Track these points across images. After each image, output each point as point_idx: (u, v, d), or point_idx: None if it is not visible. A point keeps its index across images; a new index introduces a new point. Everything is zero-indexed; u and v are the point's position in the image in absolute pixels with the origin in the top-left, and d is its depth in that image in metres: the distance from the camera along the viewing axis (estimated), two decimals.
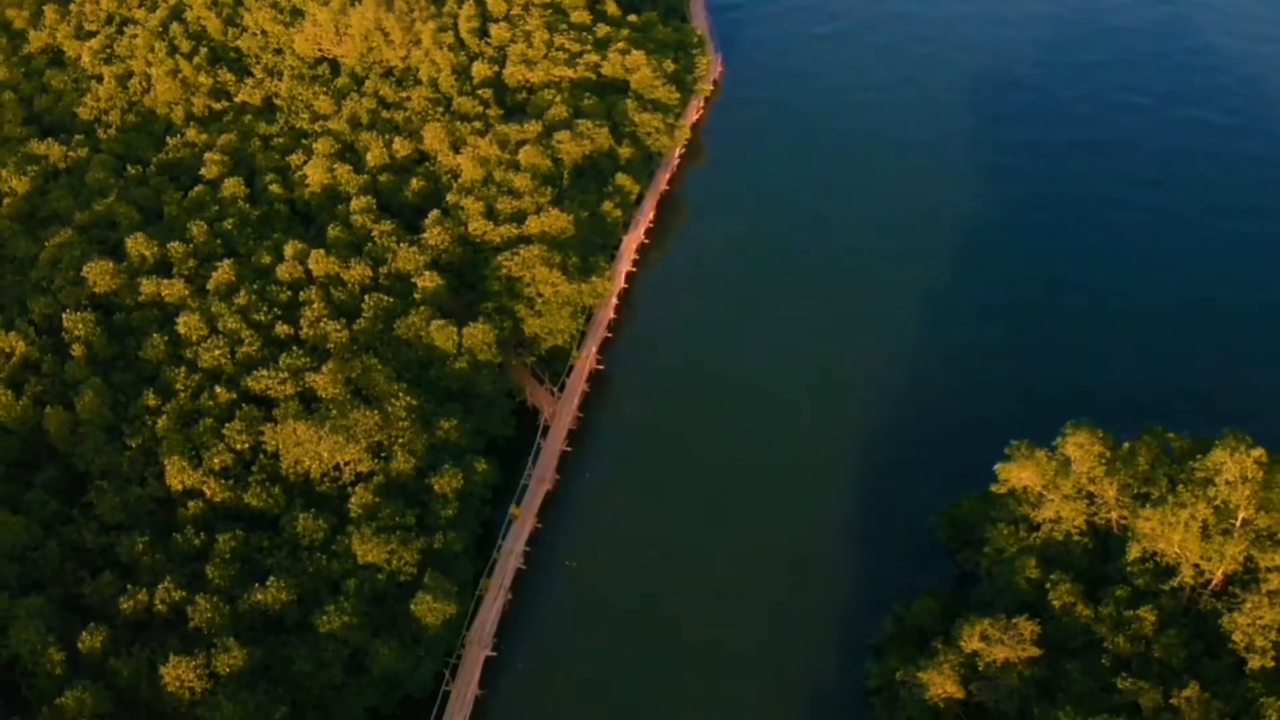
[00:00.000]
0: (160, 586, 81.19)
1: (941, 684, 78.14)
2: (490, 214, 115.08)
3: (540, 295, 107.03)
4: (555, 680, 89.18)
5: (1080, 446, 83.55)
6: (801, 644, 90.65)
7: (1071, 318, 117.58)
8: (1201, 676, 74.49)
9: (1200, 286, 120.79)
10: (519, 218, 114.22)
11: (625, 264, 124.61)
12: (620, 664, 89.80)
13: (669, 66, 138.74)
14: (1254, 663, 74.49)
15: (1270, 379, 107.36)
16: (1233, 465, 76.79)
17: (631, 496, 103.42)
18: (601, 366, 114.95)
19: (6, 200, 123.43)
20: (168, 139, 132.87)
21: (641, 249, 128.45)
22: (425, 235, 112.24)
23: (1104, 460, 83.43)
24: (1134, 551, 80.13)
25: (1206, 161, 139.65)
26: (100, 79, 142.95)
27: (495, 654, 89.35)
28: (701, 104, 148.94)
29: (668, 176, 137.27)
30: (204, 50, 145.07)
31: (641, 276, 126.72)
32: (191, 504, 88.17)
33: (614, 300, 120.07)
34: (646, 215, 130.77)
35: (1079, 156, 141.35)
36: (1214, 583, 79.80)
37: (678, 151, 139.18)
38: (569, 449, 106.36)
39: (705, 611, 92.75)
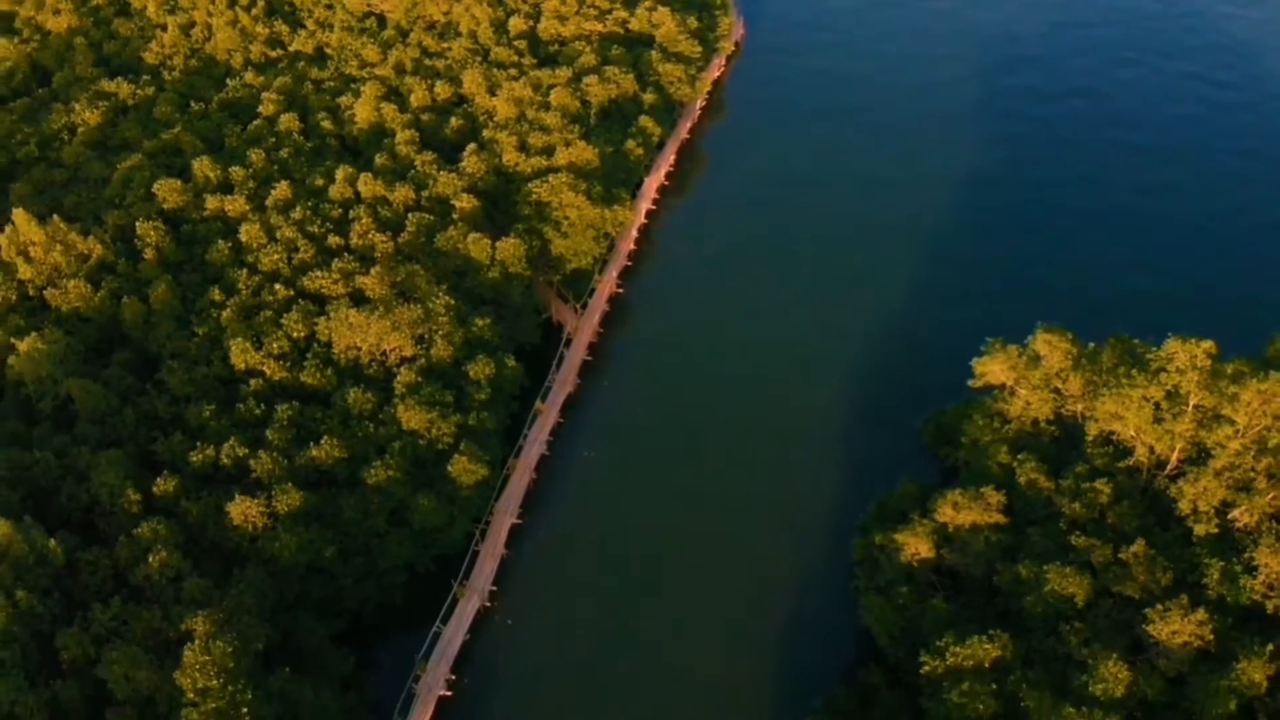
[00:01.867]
0: (226, 445, 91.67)
1: (915, 545, 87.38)
2: (523, 147, 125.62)
3: (566, 218, 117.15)
4: (572, 547, 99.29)
5: (1049, 343, 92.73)
6: (792, 530, 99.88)
7: (1059, 244, 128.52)
8: (1151, 541, 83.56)
9: (1185, 214, 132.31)
10: (549, 151, 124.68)
11: (646, 203, 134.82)
12: (630, 537, 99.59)
13: (692, 23, 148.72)
14: (1199, 529, 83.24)
15: (1240, 294, 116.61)
16: (1183, 354, 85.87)
17: (644, 400, 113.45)
18: (621, 290, 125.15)
19: (80, 130, 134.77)
20: (227, 81, 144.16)
21: (662, 190, 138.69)
22: (463, 164, 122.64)
23: (1070, 358, 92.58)
24: (1092, 430, 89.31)
25: (1194, 110, 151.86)
26: (164, 28, 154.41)
27: (520, 522, 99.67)
28: (723, 62, 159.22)
29: (689, 126, 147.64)
30: (261, 2, 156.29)
31: (661, 215, 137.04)
32: (253, 382, 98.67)
33: (634, 233, 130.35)
34: (667, 159, 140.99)
35: (1074, 102, 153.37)
36: (1169, 466, 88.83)
37: (699, 103, 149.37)
38: (589, 358, 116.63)
39: (706, 499, 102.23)
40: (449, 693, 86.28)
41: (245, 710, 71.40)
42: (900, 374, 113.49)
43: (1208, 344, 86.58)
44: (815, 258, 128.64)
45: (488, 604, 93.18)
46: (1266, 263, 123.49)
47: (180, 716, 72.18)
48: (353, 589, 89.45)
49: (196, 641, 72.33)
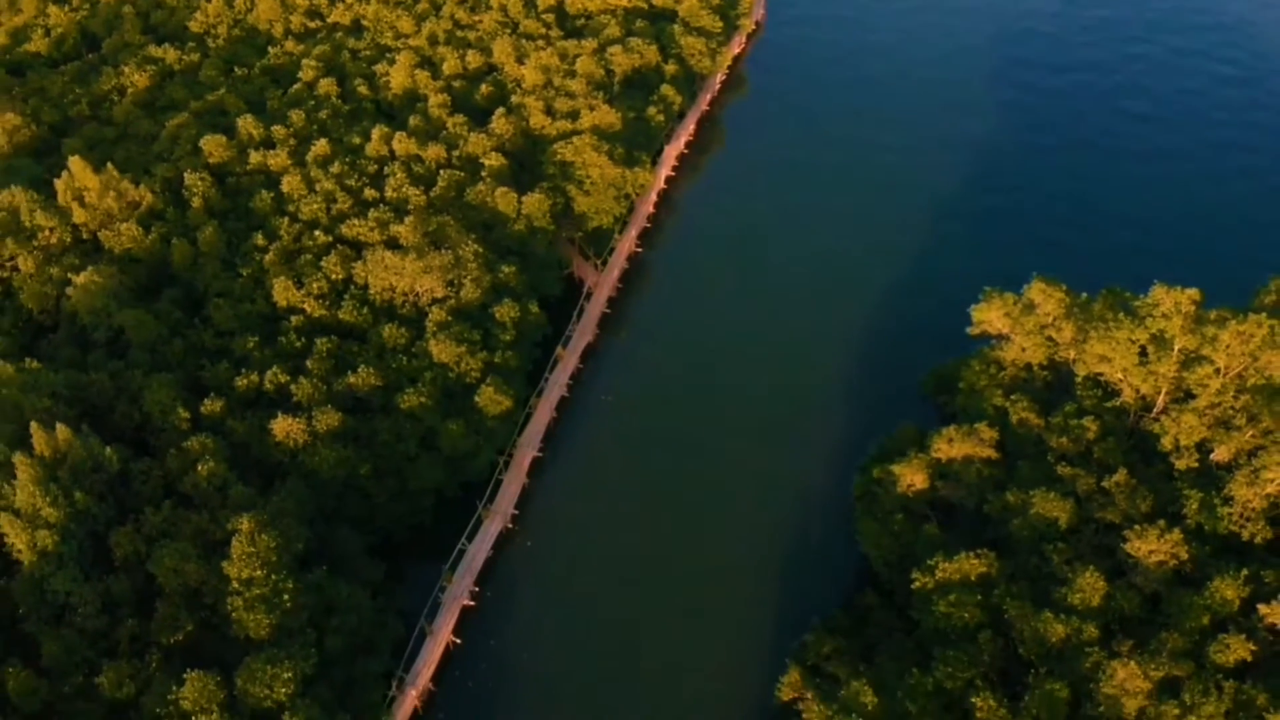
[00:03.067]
0: (269, 372, 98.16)
1: (911, 477, 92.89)
2: (549, 112, 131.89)
3: (589, 177, 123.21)
4: (589, 480, 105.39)
5: (1043, 292, 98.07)
6: (798, 473, 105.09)
7: (1064, 203, 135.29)
8: (1134, 474, 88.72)
9: (1184, 177, 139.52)
10: (574, 115, 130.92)
11: (666, 169, 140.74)
12: (646, 471, 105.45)
13: (714, 0, 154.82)
14: (1180, 464, 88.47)
15: (1235, 252, 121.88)
16: (1169, 300, 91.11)
17: (660, 352, 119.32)
18: (640, 250, 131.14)
19: (129, 91, 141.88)
20: (269, 49, 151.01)
21: (681, 158, 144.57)
22: (492, 126, 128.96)
23: (1064, 306, 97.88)
24: (1081, 371, 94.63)
25: (1198, 83, 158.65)
26: None
27: (541, 455, 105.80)
28: (744, 39, 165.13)
29: (709, 98, 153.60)
30: None
31: (680, 182, 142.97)
32: (294, 318, 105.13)
33: (654, 197, 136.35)
34: (688, 129, 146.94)
35: (1082, 75, 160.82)
36: (1155, 409, 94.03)
37: (719, 77, 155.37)
38: (608, 311, 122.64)
39: (715, 442, 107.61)
40: (472, 602, 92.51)
41: (286, 598, 77.65)
42: (908, 330, 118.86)
43: (1192, 291, 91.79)
44: (829, 221, 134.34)
45: (510, 526, 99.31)
46: (1262, 224, 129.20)
47: (225, 605, 78.71)
48: (385, 507, 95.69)
49: (243, 535, 78.49)
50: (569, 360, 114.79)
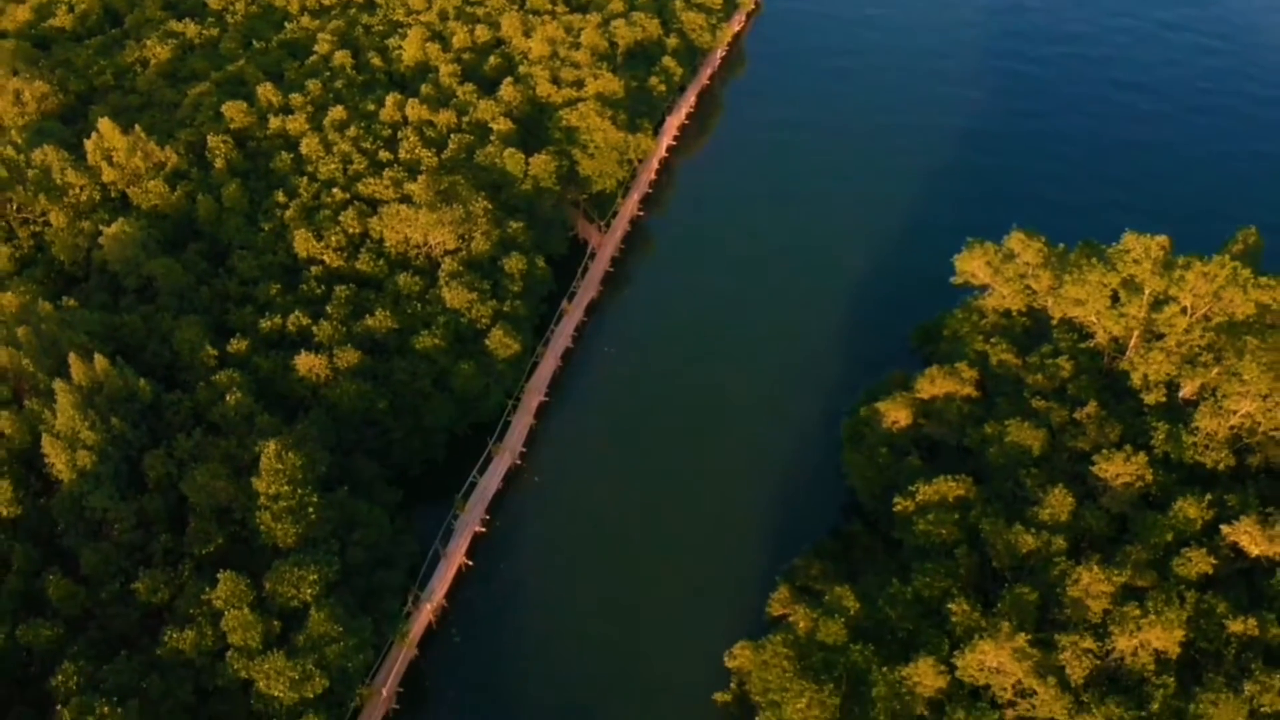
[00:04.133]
0: (291, 315, 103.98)
1: (896, 414, 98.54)
2: (555, 81, 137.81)
3: (593, 141, 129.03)
4: (592, 423, 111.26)
5: (1022, 242, 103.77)
6: (790, 418, 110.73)
7: (1049, 161, 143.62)
8: (1105, 408, 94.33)
9: (1165, 139, 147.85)
10: (579, 84, 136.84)
11: (667, 139, 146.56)
12: (647, 415, 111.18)
13: None
14: (1149, 399, 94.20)
15: (1212, 208, 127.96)
16: (1139, 247, 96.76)
17: (659, 309, 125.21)
18: (642, 213, 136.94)
19: (152, 63, 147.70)
20: (285, 24, 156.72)
21: (682, 129, 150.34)
22: (500, 93, 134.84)
23: (1041, 255, 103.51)
24: (1056, 313, 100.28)
25: (1182, 55, 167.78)
26: None
27: (548, 399, 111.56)
28: (744, 17, 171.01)
29: (709, 73, 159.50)
30: None
31: (681, 152, 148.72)
32: (314, 268, 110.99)
33: (656, 164, 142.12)
34: (688, 102, 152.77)
35: (1070, 47, 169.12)
36: (1128, 352, 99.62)
37: (719, 53, 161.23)
38: (611, 270, 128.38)
39: (711, 391, 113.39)
40: (483, 529, 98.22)
41: (311, 511, 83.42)
42: (899, 287, 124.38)
43: (1161, 238, 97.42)
44: (826, 188, 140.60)
45: (518, 462, 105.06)
46: (1237, 184, 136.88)
47: (254, 519, 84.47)
48: (401, 443, 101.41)
49: (270, 454, 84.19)
50: (574, 314, 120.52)
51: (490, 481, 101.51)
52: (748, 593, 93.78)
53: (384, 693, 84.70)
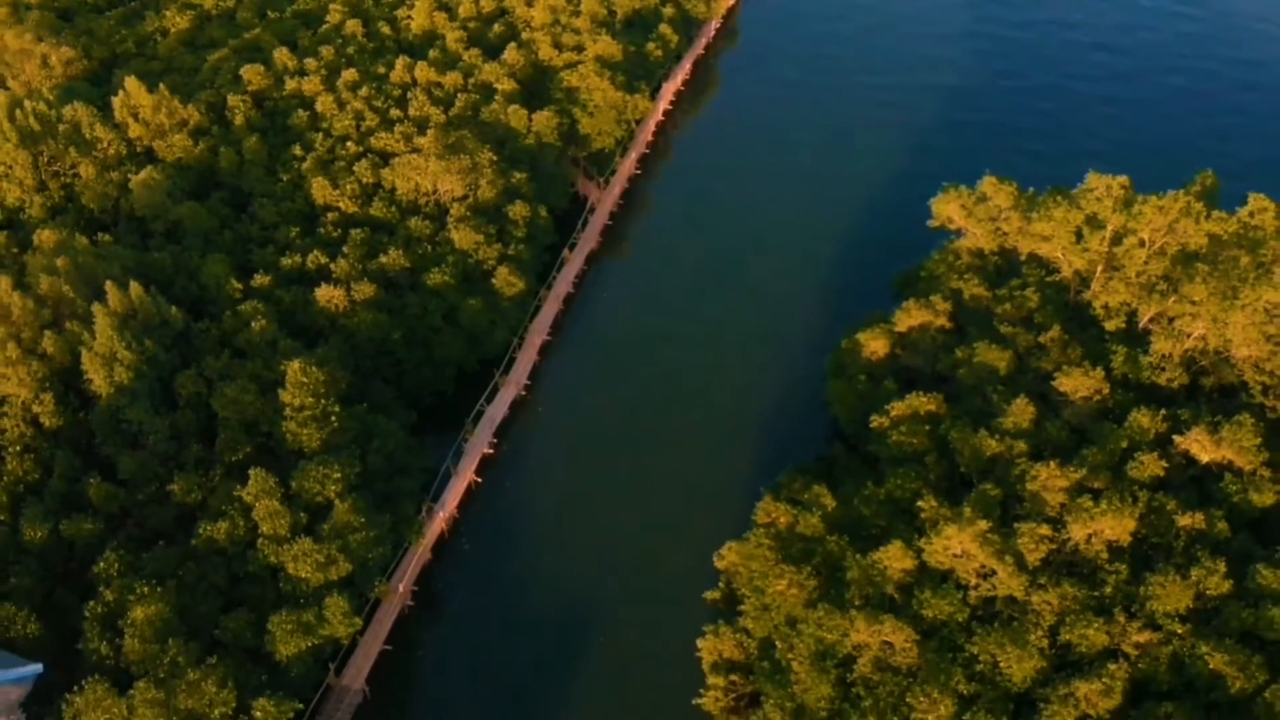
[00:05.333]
0: (310, 254, 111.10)
1: (874, 345, 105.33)
2: (556, 45, 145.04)
3: (592, 100, 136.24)
4: (593, 358, 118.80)
5: (993, 185, 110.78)
6: (779, 359, 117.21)
7: (1029, 117, 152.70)
8: (1068, 334, 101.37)
9: (1137, 96, 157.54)
10: (579, 48, 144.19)
11: (664, 104, 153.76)
12: (644, 353, 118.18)
13: None
14: (1110, 325, 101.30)
15: (1170, 159, 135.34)
16: (1101, 185, 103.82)
17: (656, 259, 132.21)
18: (639, 172, 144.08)
19: (172, 32, 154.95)
20: None
21: (678, 95, 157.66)
22: (505, 56, 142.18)
23: (1012, 198, 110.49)
24: (1024, 249, 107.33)
25: (1158, 21, 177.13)
26: None
27: (550, 339, 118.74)
28: None
29: (704, 44, 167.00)
30: None
31: (676, 117, 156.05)
32: (330, 214, 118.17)
33: (652, 127, 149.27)
34: (684, 69, 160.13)
35: (1052, 24, 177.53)
36: (1092, 285, 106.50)
37: (714, 24, 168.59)
38: (609, 223, 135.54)
39: (705, 331, 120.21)
40: (491, 451, 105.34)
41: (334, 419, 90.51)
42: (883, 238, 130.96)
43: (1123, 178, 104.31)
44: (815, 150, 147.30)
45: (523, 393, 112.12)
46: (1206, 135, 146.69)
47: (280, 429, 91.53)
48: (413, 373, 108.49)
49: (295, 369, 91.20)
50: (575, 261, 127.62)
51: (497, 409, 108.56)
52: (736, 507, 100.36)
53: (400, 589, 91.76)
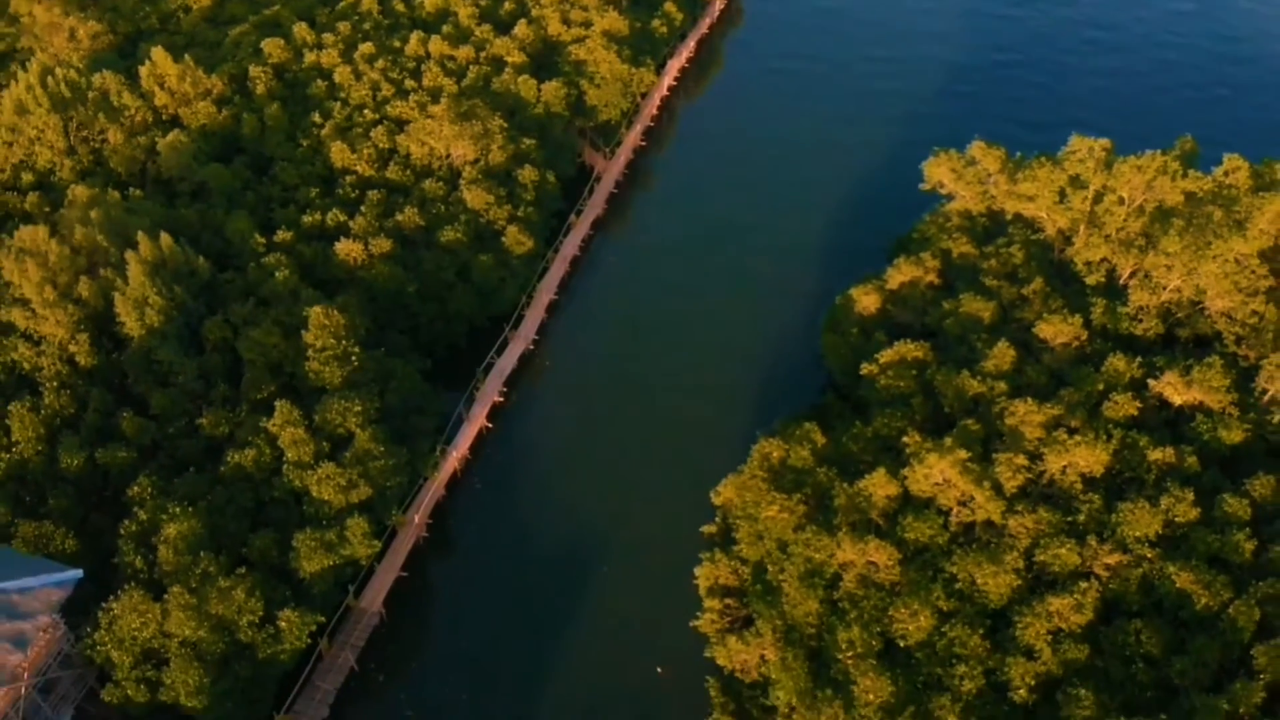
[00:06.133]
0: (330, 213, 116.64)
1: (866, 300, 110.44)
2: (565, 21, 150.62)
3: (599, 73, 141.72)
4: (598, 318, 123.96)
5: (982, 149, 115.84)
6: (778, 319, 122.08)
7: (1020, 89, 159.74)
8: (1050, 287, 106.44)
9: (1128, 68, 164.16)
10: (586, 24, 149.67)
11: (668, 79, 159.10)
12: (648, 312, 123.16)
13: None
14: (1090, 279, 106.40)
15: (1157, 131, 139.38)
16: (1084, 147, 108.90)
17: (661, 226, 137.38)
18: (644, 144, 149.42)
19: (195, 8, 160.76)
20: None
21: (683, 72, 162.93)
22: (515, 31, 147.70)
23: (1000, 162, 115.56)
24: (1010, 209, 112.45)
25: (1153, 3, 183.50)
26: None
27: (557, 298, 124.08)
28: None
29: (709, 23, 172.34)
30: None
31: (681, 92, 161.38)
32: (348, 177, 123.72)
33: (657, 101, 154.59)
34: (689, 47, 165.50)
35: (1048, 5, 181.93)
36: (1075, 242, 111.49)
37: (718, 3, 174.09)
38: (615, 191, 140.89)
39: (706, 294, 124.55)
40: (501, 399, 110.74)
41: (354, 358, 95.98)
42: (881, 207, 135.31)
43: (1104, 141, 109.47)
44: (816, 121, 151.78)
45: (531, 347, 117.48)
46: (1191, 105, 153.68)
47: (303, 369, 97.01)
48: (427, 326, 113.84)
49: (317, 313, 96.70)
50: (581, 226, 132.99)
51: (507, 361, 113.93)
52: (734, 451, 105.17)
53: (415, 520, 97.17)
